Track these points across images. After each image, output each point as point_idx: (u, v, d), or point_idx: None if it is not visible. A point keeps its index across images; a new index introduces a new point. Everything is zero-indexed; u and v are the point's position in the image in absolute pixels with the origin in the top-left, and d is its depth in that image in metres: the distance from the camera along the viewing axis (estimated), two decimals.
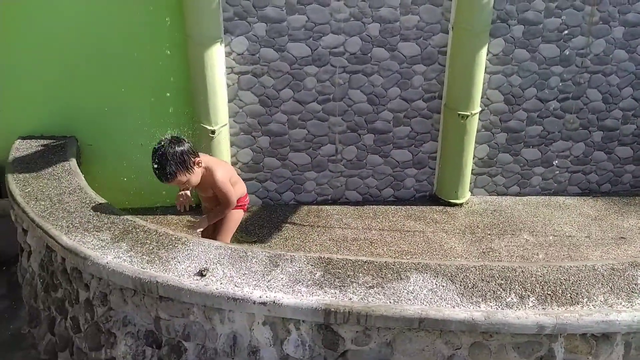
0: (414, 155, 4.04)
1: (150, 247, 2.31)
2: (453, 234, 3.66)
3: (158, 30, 3.50)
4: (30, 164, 3.19)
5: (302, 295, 2.03)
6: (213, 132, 3.62)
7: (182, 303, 2.11)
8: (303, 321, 2.03)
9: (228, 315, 2.09)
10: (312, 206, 4.03)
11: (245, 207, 3.03)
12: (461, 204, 4.04)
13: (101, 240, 2.38)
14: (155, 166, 2.58)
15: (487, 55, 3.75)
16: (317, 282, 2.11)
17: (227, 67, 3.63)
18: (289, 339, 2.08)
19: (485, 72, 3.79)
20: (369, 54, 3.73)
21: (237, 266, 2.19)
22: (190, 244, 2.34)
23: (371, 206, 4.02)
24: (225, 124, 3.71)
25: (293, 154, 3.93)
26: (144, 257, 2.24)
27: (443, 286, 2.09)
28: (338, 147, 3.95)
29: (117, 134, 3.73)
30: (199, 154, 2.73)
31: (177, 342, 2.21)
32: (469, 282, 2.11)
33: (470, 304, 1.99)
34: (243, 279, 2.11)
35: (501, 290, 2.07)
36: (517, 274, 2.16)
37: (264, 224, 3.77)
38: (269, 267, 2.19)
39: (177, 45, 3.52)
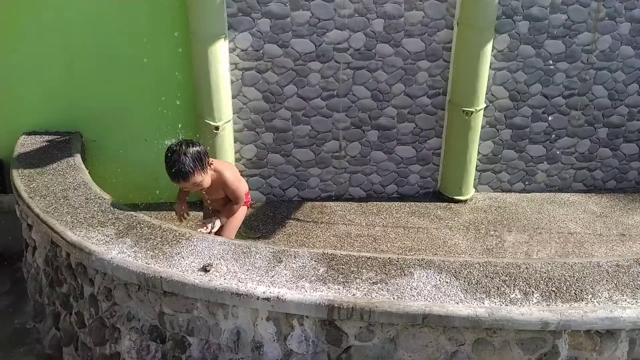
0: (418, 152, 4.03)
1: (155, 243, 2.32)
2: (457, 231, 3.65)
3: (162, 26, 3.50)
4: (34, 160, 3.20)
5: (306, 291, 2.03)
6: (217, 128, 3.62)
7: (186, 298, 2.12)
8: (306, 317, 2.04)
9: (232, 310, 2.10)
10: (316, 202, 4.03)
11: (249, 203, 3.05)
12: (465, 201, 4.02)
13: (106, 235, 2.39)
14: (173, 165, 2.57)
15: (492, 51, 3.73)
16: (321, 277, 2.11)
17: (231, 63, 3.63)
18: (292, 335, 2.08)
19: (490, 68, 3.77)
20: (373, 50, 3.72)
21: (240, 262, 2.19)
22: (194, 240, 2.34)
23: (375, 202, 4.02)
24: (229, 120, 3.72)
25: (297, 150, 3.93)
26: (148, 252, 2.25)
27: (447, 282, 2.09)
28: (342, 144, 3.95)
29: (122, 129, 3.74)
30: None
31: (181, 337, 2.21)
32: (472, 278, 2.11)
33: (474, 300, 1.99)
34: (247, 275, 2.11)
35: (505, 286, 2.06)
36: (522, 270, 2.15)
37: (267, 220, 3.77)
38: (273, 263, 2.19)
39: (181, 41, 3.52)
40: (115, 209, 2.61)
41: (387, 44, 3.71)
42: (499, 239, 3.55)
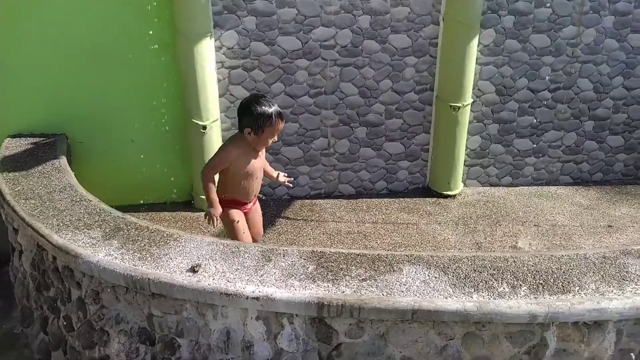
0: (407, 148, 4.04)
1: (142, 244, 2.30)
2: (446, 226, 3.67)
3: (148, 25, 3.46)
4: (19, 163, 3.16)
5: (295, 290, 2.02)
6: (204, 127, 3.59)
7: (175, 300, 2.11)
8: (296, 315, 2.03)
9: (221, 310, 2.09)
10: (306, 200, 4.02)
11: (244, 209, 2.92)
12: (454, 196, 4.04)
13: (92, 238, 2.36)
14: (273, 104, 2.62)
15: (478, 46, 3.75)
16: (310, 275, 2.11)
17: (217, 62, 3.61)
18: (282, 333, 2.08)
19: (477, 63, 3.79)
20: (360, 47, 3.71)
21: (229, 261, 2.19)
22: (182, 240, 2.33)
23: (364, 199, 4.03)
24: (217, 119, 3.69)
25: (285, 148, 3.92)
26: (136, 254, 2.23)
27: (436, 277, 2.09)
28: (330, 141, 3.94)
29: (108, 130, 3.70)
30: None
31: (171, 338, 2.20)
32: (461, 272, 2.12)
33: (462, 295, 2.00)
34: (235, 275, 2.11)
35: (493, 280, 2.08)
36: (509, 263, 2.17)
37: None
38: (262, 262, 2.18)
39: (167, 41, 3.49)
40: (102, 211, 2.58)
41: (374, 41, 3.71)
42: (488, 233, 3.57)
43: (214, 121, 3.65)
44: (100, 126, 3.68)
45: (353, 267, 2.16)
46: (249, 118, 2.57)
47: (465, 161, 4.07)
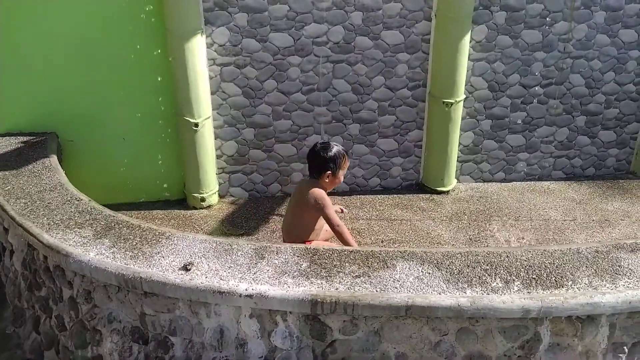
0: (400, 144, 4.03)
1: (134, 243, 2.28)
2: (440, 222, 3.67)
3: (138, 22, 3.43)
4: (9, 161, 3.13)
5: (289, 287, 2.02)
6: (196, 125, 3.57)
7: (167, 298, 2.09)
8: (290, 312, 2.03)
9: (214, 309, 2.08)
10: None
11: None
12: (447, 192, 4.05)
13: (83, 237, 2.34)
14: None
15: (470, 42, 3.74)
16: (304, 273, 2.10)
17: (208, 59, 3.58)
18: (276, 331, 2.07)
19: (469, 59, 3.79)
20: (353, 43, 3.70)
21: (222, 259, 2.17)
22: (175, 239, 2.31)
23: (358, 196, 4.02)
24: (209, 117, 3.67)
25: (278, 146, 3.91)
26: (127, 252, 2.21)
27: (429, 273, 2.09)
28: (324, 138, 3.93)
29: (99, 129, 3.67)
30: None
31: (164, 337, 2.19)
32: (454, 268, 2.12)
33: (456, 290, 2.00)
34: (228, 272, 2.09)
35: (486, 275, 2.08)
36: (502, 259, 2.17)
37: (250, 216, 3.75)
38: (255, 260, 2.17)
39: (158, 38, 3.47)
40: (93, 210, 2.56)
41: (366, 37, 3.70)
42: (481, 229, 3.58)
43: (205, 119, 3.63)
44: (91, 124, 3.65)
45: (347, 263, 2.15)
46: (324, 163, 2.86)
47: (458, 157, 4.07)
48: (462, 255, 2.20)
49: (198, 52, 3.45)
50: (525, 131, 4.14)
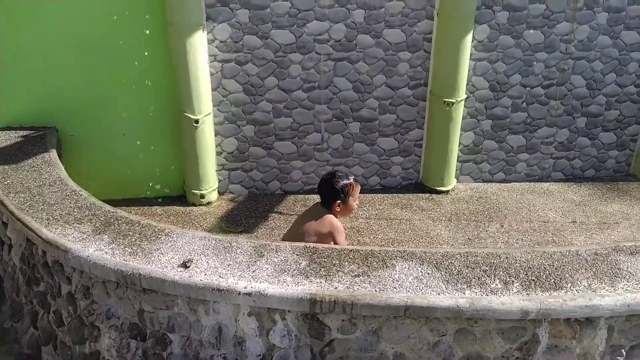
0: (400, 143, 4.03)
1: (133, 239, 2.28)
2: (439, 221, 3.67)
3: (140, 18, 3.42)
4: (9, 156, 3.12)
5: (288, 285, 2.01)
6: (197, 121, 3.57)
7: (166, 295, 2.09)
8: (289, 311, 2.02)
9: (213, 306, 2.07)
10: (299, 195, 4.01)
11: None
12: (447, 191, 4.05)
13: (82, 232, 2.34)
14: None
15: (472, 41, 3.74)
16: (303, 271, 2.09)
17: (210, 55, 3.57)
18: (274, 329, 2.07)
19: (470, 58, 3.78)
20: (354, 41, 3.69)
21: (221, 257, 2.17)
22: (174, 235, 2.31)
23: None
24: (209, 113, 3.66)
25: (278, 143, 3.90)
26: (127, 249, 2.21)
27: (428, 274, 2.09)
28: (324, 136, 3.93)
29: (99, 124, 3.67)
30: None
31: (162, 334, 2.18)
32: (454, 269, 2.12)
33: (455, 291, 2.00)
34: (228, 270, 2.09)
35: (486, 276, 2.08)
36: (502, 260, 2.17)
37: (250, 214, 3.74)
38: (254, 258, 2.17)
39: (159, 34, 3.45)
40: (92, 205, 2.55)
41: (368, 35, 3.69)
42: (481, 229, 3.58)
43: (206, 115, 3.62)
44: (91, 119, 3.64)
45: (346, 263, 2.15)
46: (333, 194, 2.78)
47: (458, 157, 4.07)
48: (461, 256, 2.20)
49: (199, 48, 3.44)
50: (526, 132, 4.14)
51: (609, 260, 2.18)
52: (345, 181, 2.80)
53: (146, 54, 3.51)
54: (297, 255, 2.19)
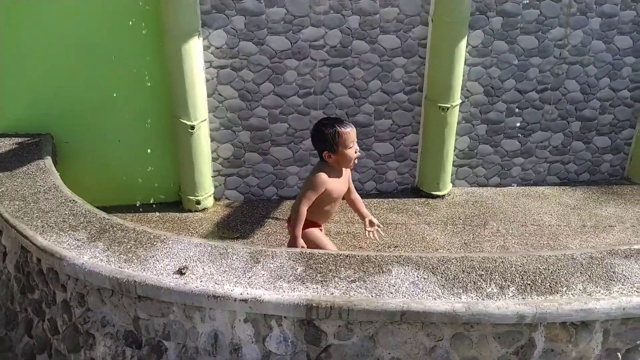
0: (396, 148, 4.04)
1: (128, 246, 2.27)
2: (435, 226, 3.67)
3: (135, 25, 3.42)
4: (3, 163, 3.11)
5: (284, 291, 2.01)
6: (192, 127, 3.57)
7: (162, 302, 2.08)
8: (285, 317, 2.02)
9: (209, 313, 2.07)
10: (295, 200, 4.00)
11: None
12: (443, 196, 4.05)
13: (77, 240, 2.33)
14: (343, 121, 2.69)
15: (467, 47, 3.76)
16: (299, 277, 2.09)
17: (205, 61, 3.58)
18: (271, 336, 2.06)
19: (465, 64, 3.80)
20: (349, 47, 3.71)
21: (217, 263, 2.16)
22: (170, 242, 2.30)
23: None
24: (205, 119, 3.67)
25: (274, 149, 3.90)
26: (122, 256, 2.20)
27: (424, 278, 2.09)
28: None
29: (94, 130, 3.66)
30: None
31: (158, 341, 2.18)
32: (450, 273, 2.12)
33: (451, 296, 2.00)
34: (223, 276, 2.09)
35: (482, 280, 2.08)
36: (497, 264, 2.17)
37: (246, 219, 3.74)
38: (250, 264, 2.17)
39: (155, 40, 3.46)
40: (87, 212, 2.55)
41: (363, 41, 3.71)
42: (477, 233, 3.59)
43: (202, 121, 3.63)
44: (86, 126, 3.64)
45: (342, 268, 2.15)
46: (321, 143, 2.64)
47: (453, 161, 4.08)
48: (457, 261, 2.20)
49: (195, 54, 3.45)
50: (521, 136, 4.15)
51: (604, 264, 2.19)
52: (329, 129, 2.56)
53: (141, 60, 3.51)
54: (293, 261, 2.19)
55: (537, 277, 2.10)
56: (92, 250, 2.25)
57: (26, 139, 3.46)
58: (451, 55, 3.64)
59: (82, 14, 3.38)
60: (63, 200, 2.68)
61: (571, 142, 4.25)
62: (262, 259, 2.20)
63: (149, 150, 3.76)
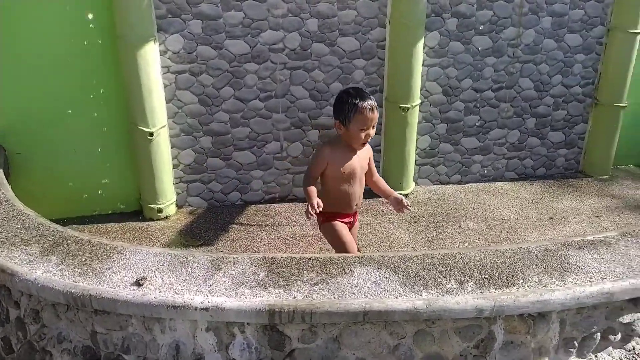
0: None
1: (83, 259, 2.20)
2: (399, 225, 3.71)
3: (89, 32, 3.33)
4: None
5: (246, 298, 1.99)
6: (151, 134, 3.50)
7: (119, 315, 2.02)
8: (247, 324, 2.00)
9: (169, 324, 2.02)
10: (260, 205, 3.98)
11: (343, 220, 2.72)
12: (406, 195, 4.10)
13: (29, 254, 2.24)
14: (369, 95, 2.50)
15: (424, 48, 3.82)
16: (261, 282, 2.07)
17: (162, 67, 3.52)
18: (234, 343, 2.03)
19: (423, 65, 3.86)
20: (309, 50, 3.71)
21: (177, 272, 2.12)
22: (127, 253, 2.24)
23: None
24: (164, 125, 3.60)
25: (237, 153, 3.87)
26: (76, 269, 2.13)
27: (386, 277, 2.11)
28: (283, 144, 3.92)
29: (48, 141, 3.54)
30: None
31: (117, 355, 2.11)
32: (411, 271, 2.14)
33: (412, 293, 2.02)
34: (183, 285, 2.05)
35: (442, 277, 2.11)
36: (457, 260, 2.21)
37: (209, 226, 3.69)
38: (211, 271, 2.13)
39: (109, 47, 3.38)
40: (40, 226, 2.46)
41: (323, 44, 3.72)
42: (440, 230, 3.65)
43: (161, 127, 3.56)
44: (39, 136, 3.52)
45: (305, 271, 2.14)
46: (337, 109, 2.44)
47: (416, 161, 4.14)
48: (418, 258, 2.23)
49: (151, 60, 3.38)
50: (479, 134, 4.25)
51: (559, 256, 2.26)
52: (351, 100, 2.36)
53: (96, 67, 3.42)
54: (256, 266, 2.17)
55: (495, 271, 2.15)
56: (45, 264, 2.17)
57: None
58: (409, 56, 3.70)
59: (33, 25, 3.26)
60: (15, 214, 2.57)
61: (527, 139, 4.38)
62: (223, 266, 2.17)
63: (106, 160, 3.66)
